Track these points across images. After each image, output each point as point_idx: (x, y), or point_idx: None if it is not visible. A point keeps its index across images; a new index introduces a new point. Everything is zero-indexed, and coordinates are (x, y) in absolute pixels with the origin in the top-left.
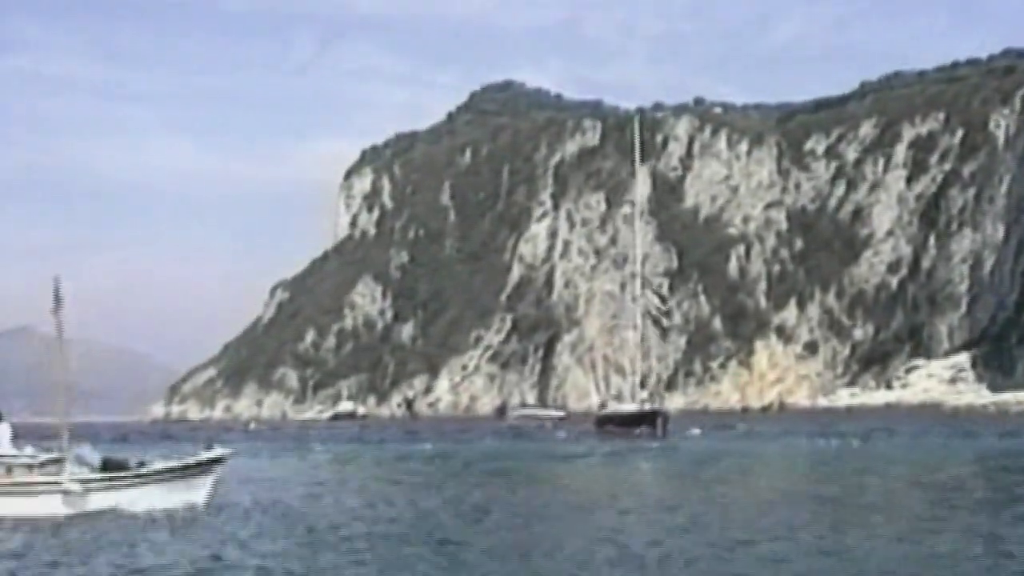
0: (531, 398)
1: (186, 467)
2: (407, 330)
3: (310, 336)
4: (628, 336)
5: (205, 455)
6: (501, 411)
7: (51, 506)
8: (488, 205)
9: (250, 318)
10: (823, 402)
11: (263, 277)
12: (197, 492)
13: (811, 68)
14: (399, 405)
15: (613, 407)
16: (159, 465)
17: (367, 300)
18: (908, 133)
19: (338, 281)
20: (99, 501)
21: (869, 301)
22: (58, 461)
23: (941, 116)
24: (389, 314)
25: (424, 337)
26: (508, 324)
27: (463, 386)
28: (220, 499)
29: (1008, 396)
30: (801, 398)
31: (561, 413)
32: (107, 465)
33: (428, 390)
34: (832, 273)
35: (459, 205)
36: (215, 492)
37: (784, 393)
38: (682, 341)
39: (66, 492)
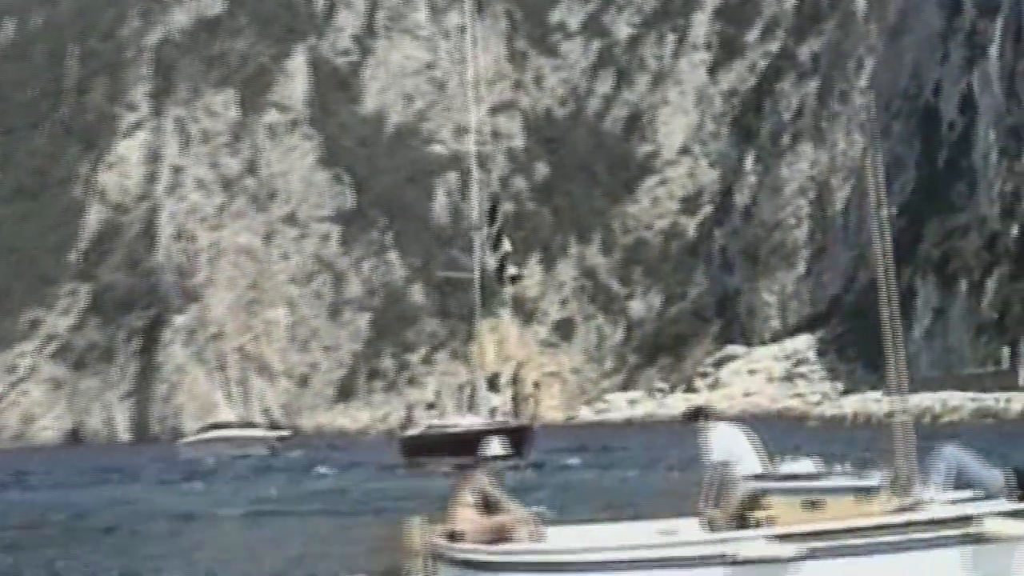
0: (121, 415)
1: None
2: None
3: None
4: (276, 316)
5: None
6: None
7: None
8: (45, 111)
9: None
10: (586, 413)
11: None
12: None
13: None
14: None
15: (428, 423)
16: None
17: None
18: None
19: None
20: None
21: (654, 258)
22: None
23: None
24: None
25: None
26: (83, 300)
27: (11, 399)
28: None
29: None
30: (549, 408)
31: (281, 433)
32: None
33: None
34: (595, 214)
35: None
36: None
37: None
38: (362, 323)
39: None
